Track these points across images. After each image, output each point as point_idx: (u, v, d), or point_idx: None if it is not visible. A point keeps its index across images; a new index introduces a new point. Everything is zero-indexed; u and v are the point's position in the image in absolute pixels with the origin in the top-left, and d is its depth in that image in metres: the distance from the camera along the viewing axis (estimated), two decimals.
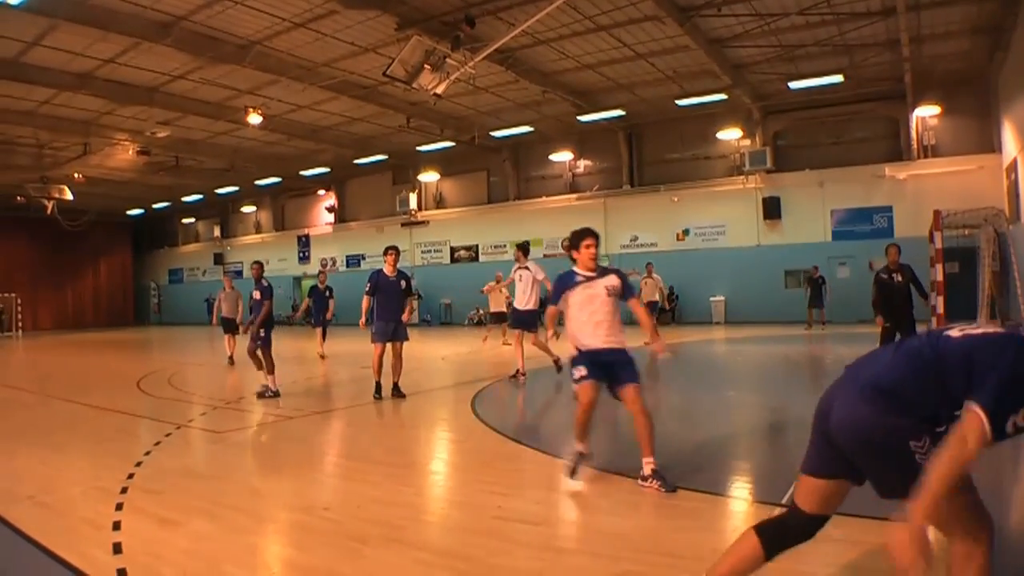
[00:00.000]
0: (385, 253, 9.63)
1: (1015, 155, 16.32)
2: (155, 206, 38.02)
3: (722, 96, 20.59)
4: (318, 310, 16.10)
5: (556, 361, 10.78)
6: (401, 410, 8.88)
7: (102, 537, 4.11)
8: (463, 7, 14.48)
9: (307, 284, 16.68)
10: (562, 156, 26.79)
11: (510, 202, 28.37)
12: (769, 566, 2.97)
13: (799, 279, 22.01)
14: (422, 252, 30.97)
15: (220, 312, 15.29)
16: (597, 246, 5.26)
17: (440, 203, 30.67)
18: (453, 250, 30.11)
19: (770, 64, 18.55)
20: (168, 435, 7.30)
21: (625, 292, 5.21)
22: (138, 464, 5.96)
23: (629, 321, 5.75)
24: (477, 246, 29.25)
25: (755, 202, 23.16)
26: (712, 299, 23.44)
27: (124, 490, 5.12)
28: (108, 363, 17.45)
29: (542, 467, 5.84)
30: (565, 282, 5.29)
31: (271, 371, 9.83)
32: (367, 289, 9.46)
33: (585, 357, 5.04)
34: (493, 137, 25.07)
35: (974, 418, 2.08)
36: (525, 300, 10.96)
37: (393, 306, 9.43)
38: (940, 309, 9.53)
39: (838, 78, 18.52)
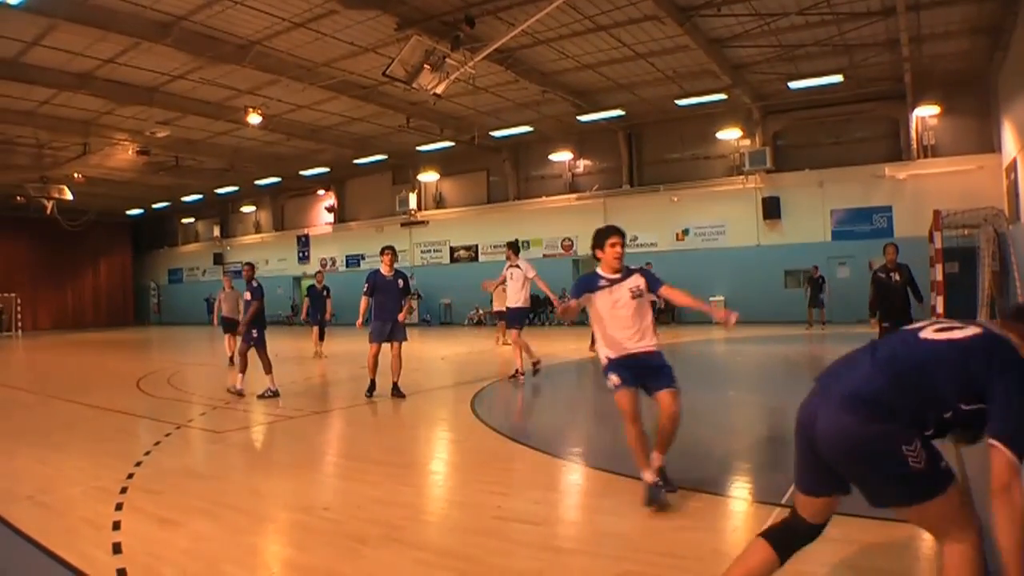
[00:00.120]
0: (382, 253, 9.69)
1: (1015, 155, 16.32)
2: (155, 206, 38.00)
3: (722, 96, 20.58)
4: (315, 310, 16.20)
5: (536, 364, 10.99)
6: (401, 410, 8.88)
7: (102, 537, 4.11)
8: (463, 7, 14.47)
9: (307, 284, 16.73)
10: (562, 156, 26.78)
11: (510, 202, 28.36)
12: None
13: (799, 279, 22.00)
14: (422, 252, 30.97)
15: (220, 312, 15.30)
16: (623, 245, 4.84)
17: (440, 203, 30.67)
18: (453, 250, 30.11)
19: (770, 64, 18.55)
20: (168, 435, 7.30)
21: (652, 286, 4.87)
22: (138, 464, 5.96)
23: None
24: (477, 246, 29.25)
25: (755, 202, 23.16)
26: (712, 299, 23.37)
27: (124, 490, 5.13)
28: (108, 363, 17.45)
29: (542, 467, 5.84)
30: (587, 285, 4.85)
31: (268, 371, 9.87)
32: (365, 290, 9.51)
33: (616, 364, 4.73)
34: (493, 137, 25.06)
35: (1001, 457, 2.15)
36: (517, 298, 11.07)
37: (391, 306, 9.46)
38: (940, 309, 9.53)
39: (838, 78, 18.52)
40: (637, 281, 4.83)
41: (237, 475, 5.84)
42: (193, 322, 37.21)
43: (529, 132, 24.61)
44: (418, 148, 26.44)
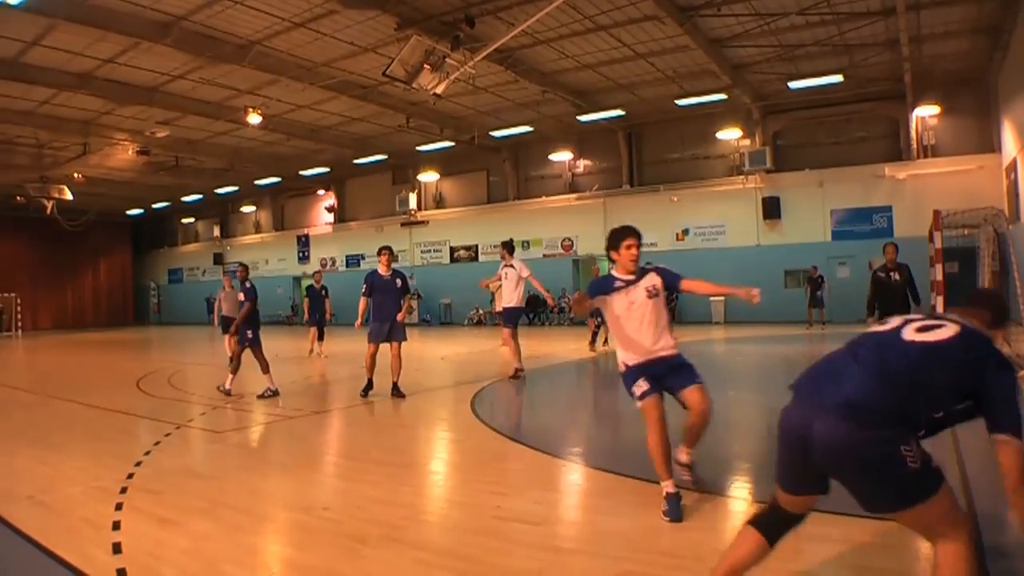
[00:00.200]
0: (379, 253, 9.72)
1: (1014, 155, 16.32)
2: (155, 206, 38.02)
3: (722, 96, 20.59)
4: (314, 309, 16.22)
5: (517, 371, 10.95)
6: (401, 410, 8.87)
7: (102, 537, 4.11)
8: (463, 7, 14.47)
9: (307, 283, 16.83)
10: (562, 156, 26.79)
11: (510, 202, 28.37)
12: (770, 566, 2.98)
13: (799, 279, 22.01)
14: (422, 252, 30.97)
15: (220, 312, 15.30)
16: (639, 246, 4.67)
17: (440, 203, 30.67)
18: (453, 250, 30.11)
19: (770, 64, 18.55)
20: (168, 435, 7.30)
21: (671, 282, 4.71)
22: (138, 464, 5.96)
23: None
24: (477, 246, 29.25)
25: (755, 202, 23.17)
26: (712, 299, 23.44)
27: (124, 490, 5.13)
28: (108, 363, 17.45)
29: (542, 467, 5.83)
30: (602, 287, 4.70)
31: (265, 370, 9.88)
32: (363, 290, 9.53)
33: (636, 370, 4.57)
34: (493, 137, 25.07)
35: (1012, 450, 2.27)
36: (511, 298, 11.09)
37: (389, 306, 9.47)
38: (940, 309, 9.53)
39: (838, 78, 18.52)
40: (652, 280, 4.70)
41: (237, 475, 5.84)
42: (193, 322, 37.22)
43: (529, 132, 24.61)
44: (418, 148, 26.45)
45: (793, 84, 19.35)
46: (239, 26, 15.46)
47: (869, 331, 2.71)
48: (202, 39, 15.82)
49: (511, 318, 11.19)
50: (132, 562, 3.73)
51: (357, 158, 28.07)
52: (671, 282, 4.71)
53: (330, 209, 34.16)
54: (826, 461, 2.41)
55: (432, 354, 16.34)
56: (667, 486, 4.26)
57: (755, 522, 2.76)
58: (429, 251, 30.83)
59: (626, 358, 4.64)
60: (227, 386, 9.87)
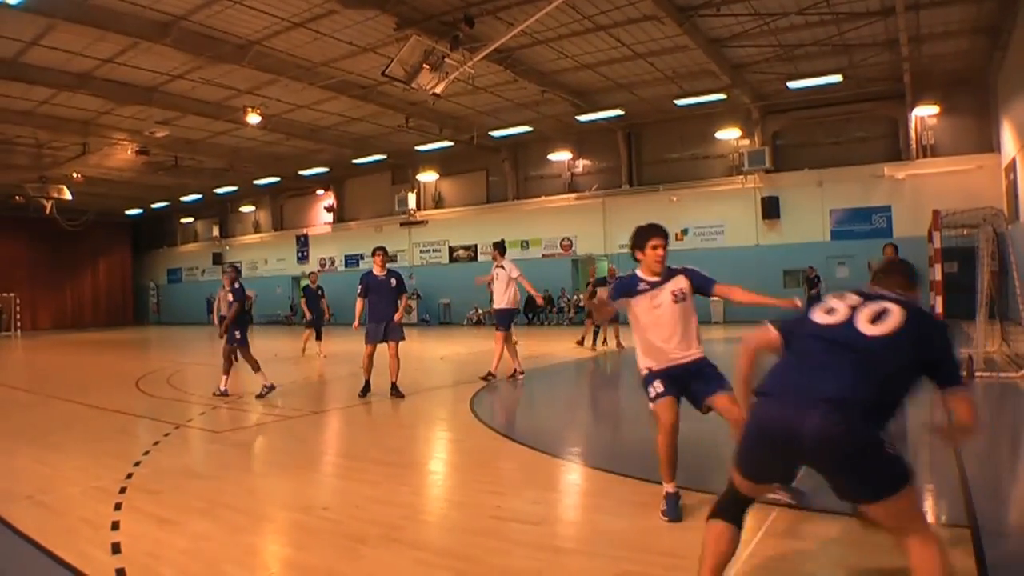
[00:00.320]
0: (373, 254, 9.73)
1: (1014, 155, 16.33)
2: (154, 206, 38.00)
3: (721, 96, 20.59)
4: (311, 310, 16.25)
5: (490, 373, 10.86)
6: (400, 409, 8.87)
7: (101, 537, 4.11)
8: (462, 7, 14.47)
9: (304, 283, 16.94)
10: (561, 156, 26.78)
11: (509, 202, 28.36)
12: (770, 566, 2.98)
13: (798, 279, 21.99)
14: (421, 252, 30.97)
15: (220, 311, 15.28)
16: (666, 246, 4.44)
17: (439, 203, 30.66)
18: (452, 250, 30.10)
19: (769, 64, 18.55)
20: (167, 435, 7.30)
21: (701, 287, 4.48)
22: (137, 464, 5.96)
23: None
24: (476, 246, 29.23)
25: (754, 202, 23.17)
26: (711, 298, 23.40)
27: (123, 490, 5.12)
28: (107, 363, 17.44)
29: (541, 467, 5.83)
30: (626, 288, 4.48)
31: (256, 369, 9.86)
32: (359, 291, 9.53)
33: (656, 375, 4.37)
34: (492, 137, 25.07)
35: (964, 401, 2.64)
36: (501, 299, 11.05)
37: (384, 306, 9.46)
38: (939, 309, 9.52)
39: (837, 78, 18.53)
40: (680, 283, 4.43)
41: (236, 475, 5.84)
42: (192, 322, 37.22)
43: (528, 132, 24.61)
44: (417, 148, 26.45)
45: (792, 84, 19.36)
46: (238, 26, 15.45)
47: (822, 323, 2.75)
48: (201, 39, 15.81)
49: (503, 320, 11.16)
50: (131, 562, 3.72)
51: (356, 158, 28.06)
52: (702, 286, 4.49)
53: (329, 209, 34.15)
54: (815, 454, 2.50)
55: (431, 354, 16.34)
56: (668, 487, 4.22)
57: (721, 514, 2.81)
58: (428, 251, 30.83)
59: (647, 363, 4.44)
60: (223, 387, 9.85)
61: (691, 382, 4.37)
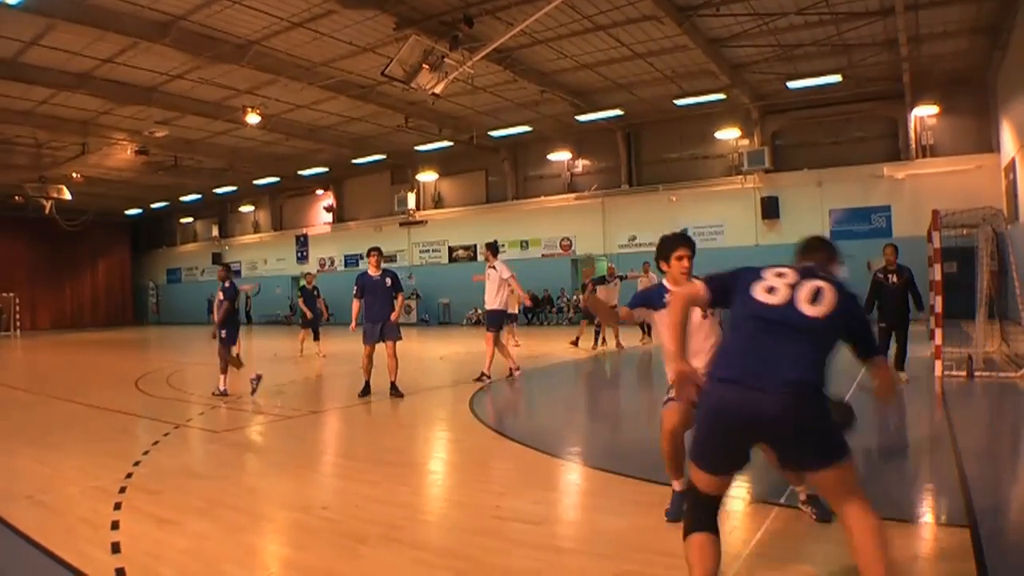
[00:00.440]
0: (368, 254, 9.75)
1: (1013, 155, 16.34)
2: (153, 206, 37.97)
3: (720, 96, 20.58)
4: (309, 309, 16.39)
5: (484, 374, 10.87)
6: (399, 409, 8.88)
7: (100, 536, 4.11)
8: (461, 7, 14.46)
9: (301, 284, 17.11)
10: (560, 156, 26.77)
11: (508, 202, 28.35)
12: (770, 566, 2.98)
13: None
14: (420, 252, 30.96)
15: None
16: (692, 258, 4.29)
17: (438, 203, 30.65)
18: (451, 250, 30.09)
19: (768, 64, 18.55)
20: (166, 435, 7.30)
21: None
22: (136, 464, 5.96)
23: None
24: (475, 246, 29.20)
25: (753, 202, 23.16)
26: None
27: (122, 489, 5.12)
28: (106, 362, 17.44)
29: (541, 467, 5.83)
30: (649, 298, 4.36)
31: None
32: (354, 292, 9.57)
33: None
34: (491, 137, 25.06)
35: (883, 368, 3.06)
36: (493, 300, 11.05)
37: (380, 306, 9.48)
38: (938, 309, 9.53)
39: (836, 78, 18.51)
40: None
41: (236, 475, 5.84)
42: (192, 322, 37.19)
43: (528, 132, 24.59)
44: (417, 148, 26.43)
45: (792, 84, 19.35)
46: (238, 26, 15.44)
47: (765, 303, 2.85)
48: (201, 39, 15.80)
49: (493, 321, 11.14)
50: (131, 562, 3.72)
51: (356, 158, 28.04)
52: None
53: (329, 209, 34.14)
54: (775, 432, 2.67)
55: (431, 354, 16.34)
56: (675, 485, 4.17)
57: (696, 527, 2.80)
58: (428, 251, 30.82)
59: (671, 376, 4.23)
60: (222, 387, 9.86)
61: None
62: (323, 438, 7.61)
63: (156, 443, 6.85)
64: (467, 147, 25.90)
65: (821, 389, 2.67)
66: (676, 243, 4.31)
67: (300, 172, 30.33)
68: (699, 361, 4.18)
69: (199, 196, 35.31)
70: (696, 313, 4.23)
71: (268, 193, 35.38)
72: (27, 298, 34.90)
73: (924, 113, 20.46)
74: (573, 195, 26.74)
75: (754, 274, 2.98)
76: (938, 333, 9.65)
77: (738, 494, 4.79)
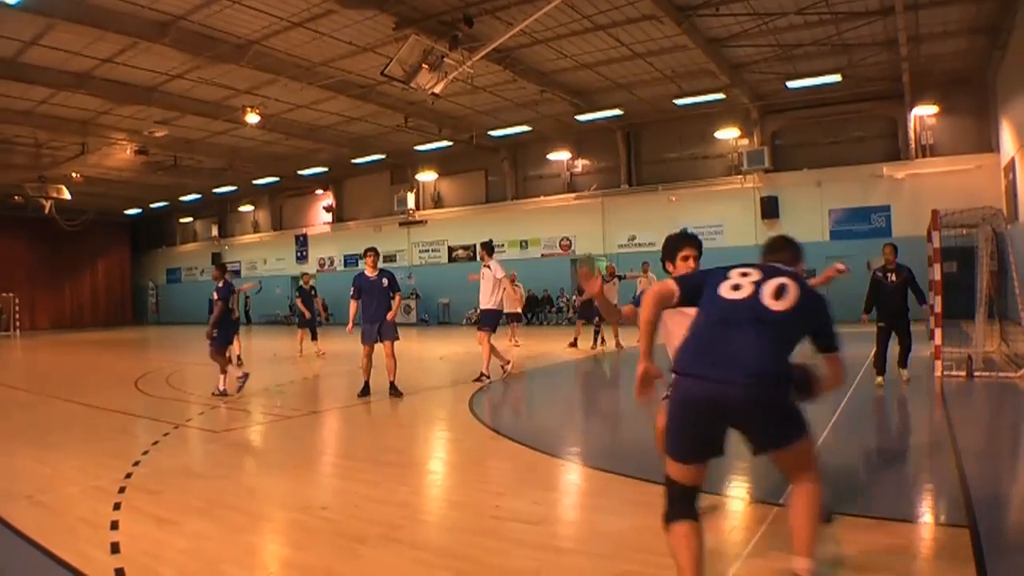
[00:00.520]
0: (364, 255, 9.76)
1: (1013, 154, 16.34)
2: (153, 206, 37.97)
3: (720, 96, 20.58)
4: (306, 308, 16.48)
5: (483, 374, 10.86)
6: (399, 409, 8.88)
7: (100, 536, 4.11)
8: (461, 6, 14.46)
9: (299, 284, 17.25)
10: (560, 156, 26.77)
11: (508, 202, 28.35)
12: (769, 565, 2.99)
13: None
14: (420, 251, 30.96)
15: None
16: (699, 258, 4.15)
17: (438, 203, 30.65)
18: (451, 249, 30.09)
19: (768, 64, 18.55)
20: (166, 435, 7.30)
21: None
22: (136, 464, 5.96)
23: None
24: (475, 246, 29.13)
25: (753, 202, 23.16)
26: None
27: (122, 489, 5.12)
28: (106, 362, 17.43)
29: (540, 467, 5.83)
30: None
31: (223, 370, 9.91)
32: (351, 293, 9.57)
33: None
34: (491, 137, 25.06)
35: (838, 363, 3.04)
36: (487, 300, 11.01)
37: (376, 307, 9.49)
38: (938, 308, 9.53)
39: (836, 78, 18.52)
40: None
41: (235, 475, 5.84)
42: (191, 321, 37.14)
43: (527, 132, 24.60)
44: (416, 148, 26.44)
45: (791, 84, 19.36)
46: (237, 26, 15.44)
47: (731, 299, 2.95)
48: (200, 39, 15.79)
49: (488, 321, 11.10)
50: (130, 562, 3.72)
51: (355, 158, 28.04)
52: None
53: (328, 209, 34.13)
54: (743, 418, 2.81)
55: (430, 354, 16.34)
56: None
57: (677, 516, 2.91)
58: (427, 251, 30.82)
59: None
60: (222, 387, 9.86)
61: None
62: (323, 438, 7.60)
63: (156, 443, 6.85)
64: (467, 147, 25.90)
65: (782, 375, 2.81)
66: (682, 243, 4.17)
67: (300, 172, 30.33)
68: None
69: (199, 196, 35.30)
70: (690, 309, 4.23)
71: (268, 193, 35.38)
72: (27, 298, 34.90)
73: (924, 113, 20.47)
74: (573, 195, 26.74)
75: (721, 274, 3.07)
76: (938, 333, 9.66)
77: (738, 494, 4.80)
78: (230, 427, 7.89)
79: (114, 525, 4.32)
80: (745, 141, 23.14)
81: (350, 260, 32.57)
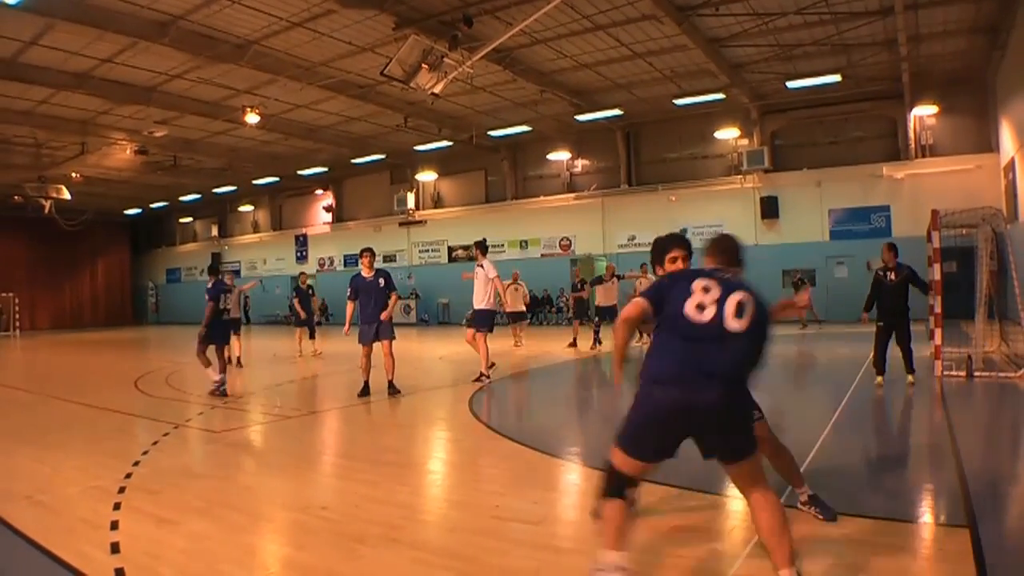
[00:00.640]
0: (361, 255, 9.74)
1: (1013, 154, 16.35)
2: (153, 206, 37.97)
3: (720, 96, 20.59)
4: (303, 308, 16.50)
5: (481, 375, 10.82)
6: (398, 409, 8.88)
7: (100, 536, 4.11)
8: (461, 6, 14.46)
9: (296, 284, 17.35)
10: (560, 156, 26.77)
11: (508, 202, 28.35)
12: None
13: (791, 281, 22.04)
14: (420, 251, 30.96)
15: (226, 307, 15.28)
16: (688, 259, 4.01)
17: (438, 203, 30.65)
18: (451, 249, 30.08)
19: (768, 64, 18.56)
20: (166, 435, 7.30)
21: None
22: (136, 464, 5.96)
23: None
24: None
25: (753, 201, 23.17)
26: None
27: (122, 489, 5.12)
28: (106, 362, 17.43)
29: (540, 466, 5.83)
30: None
31: (206, 365, 9.94)
32: (348, 294, 9.57)
33: None
34: (491, 136, 25.05)
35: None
36: (480, 299, 10.96)
37: (373, 307, 9.50)
38: (938, 308, 9.53)
39: (836, 77, 18.52)
40: None
41: (235, 475, 5.84)
42: (191, 321, 37.07)
43: (527, 132, 24.60)
44: (416, 148, 26.44)
45: (791, 84, 19.36)
46: (237, 25, 15.44)
47: (696, 322, 3.08)
48: (200, 39, 15.80)
49: (483, 320, 11.04)
50: (130, 562, 3.72)
51: (355, 158, 28.04)
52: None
53: (328, 209, 34.13)
54: (706, 427, 3.03)
55: (430, 353, 16.35)
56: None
57: (616, 495, 3.15)
58: (427, 251, 30.81)
59: None
60: (215, 378, 9.86)
61: None
62: (322, 438, 7.60)
63: (155, 443, 6.85)
64: (466, 147, 25.90)
65: (744, 387, 3.12)
66: (669, 245, 4.05)
67: (299, 172, 30.32)
68: None
69: (198, 196, 35.30)
70: None
71: (267, 193, 35.38)
72: (26, 298, 34.90)
73: (923, 113, 20.48)
74: (572, 195, 26.75)
75: (684, 289, 3.16)
76: (938, 333, 9.65)
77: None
78: (230, 427, 7.89)
79: (114, 525, 4.32)
80: (745, 141, 23.15)
81: (350, 260, 32.54)
